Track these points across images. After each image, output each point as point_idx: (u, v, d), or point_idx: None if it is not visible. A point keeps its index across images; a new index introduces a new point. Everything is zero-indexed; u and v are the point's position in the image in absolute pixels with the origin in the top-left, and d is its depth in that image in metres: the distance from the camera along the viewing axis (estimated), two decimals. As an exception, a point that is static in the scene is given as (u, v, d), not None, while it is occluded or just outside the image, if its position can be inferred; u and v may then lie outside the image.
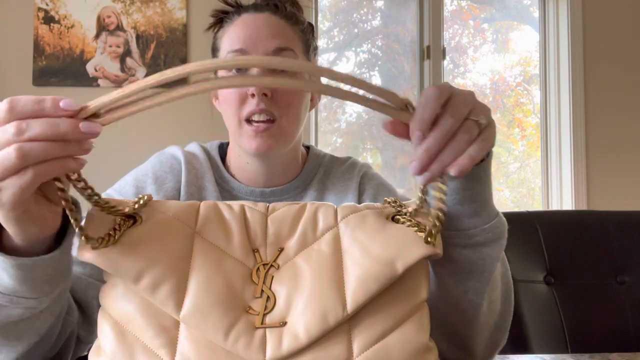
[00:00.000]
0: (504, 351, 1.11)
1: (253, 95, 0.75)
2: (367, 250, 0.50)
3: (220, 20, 0.84)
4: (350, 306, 0.48)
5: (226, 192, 0.84)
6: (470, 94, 0.50)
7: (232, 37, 0.79)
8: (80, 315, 0.68)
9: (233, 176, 0.86)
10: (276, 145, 0.78)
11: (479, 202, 0.56)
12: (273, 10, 0.81)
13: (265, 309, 0.48)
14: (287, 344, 0.46)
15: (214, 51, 0.85)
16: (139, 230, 0.50)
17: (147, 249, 0.49)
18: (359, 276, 0.49)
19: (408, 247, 0.50)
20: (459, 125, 0.47)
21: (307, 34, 0.84)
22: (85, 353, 0.71)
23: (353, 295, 0.48)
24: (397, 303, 0.50)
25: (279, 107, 0.77)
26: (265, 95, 0.76)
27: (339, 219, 0.54)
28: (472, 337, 0.65)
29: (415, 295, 0.51)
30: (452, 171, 0.47)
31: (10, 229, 0.46)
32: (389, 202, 0.56)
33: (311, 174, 0.88)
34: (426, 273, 0.53)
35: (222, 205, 0.55)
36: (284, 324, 0.48)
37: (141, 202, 0.52)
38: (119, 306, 0.49)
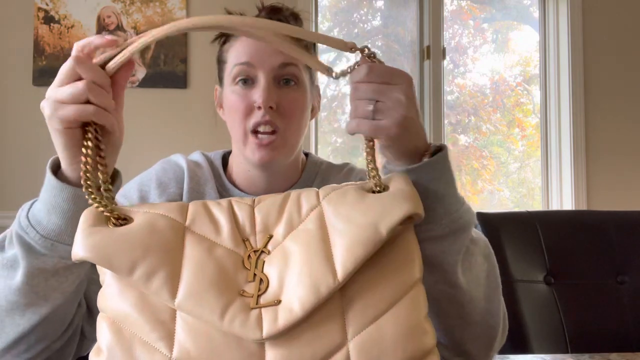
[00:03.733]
0: (504, 351, 1.11)
1: (260, 107, 0.78)
2: (350, 220, 0.52)
3: (225, 33, 0.87)
4: (340, 274, 0.49)
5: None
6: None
7: (239, 51, 0.82)
8: (85, 310, 0.70)
9: (234, 184, 0.88)
10: (279, 156, 0.81)
11: (430, 198, 0.59)
12: (280, 18, 0.83)
13: (259, 291, 0.49)
14: (283, 318, 0.47)
15: (220, 63, 0.87)
16: (131, 226, 0.52)
17: (138, 242, 0.50)
18: (345, 245, 0.50)
19: (389, 210, 0.51)
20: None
21: (309, 49, 0.87)
22: (85, 354, 0.72)
23: (342, 264, 0.49)
24: (389, 283, 0.51)
25: (283, 118, 0.80)
26: (271, 108, 0.79)
27: (321, 198, 0.56)
28: (455, 330, 0.67)
29: (407, 273, 0.52)
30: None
31: (63, 157, 0.57)
32: (371, 177, 0.58)
33: (309, 181, 0.90)
34: (417, 251, 0.54)
35: (211, 202, 0.57)
36: (279, 302, 0.48)
37: (117, 211, 0.54)
38: (115, 306, 0.50)
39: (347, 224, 0.51)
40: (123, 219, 0.53)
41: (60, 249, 0.58)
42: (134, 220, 0.52)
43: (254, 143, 0.80)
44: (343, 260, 0.49)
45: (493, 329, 0.69)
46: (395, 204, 0.52)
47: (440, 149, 0.62)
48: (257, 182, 0.86)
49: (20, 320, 0.62)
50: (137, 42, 0.55)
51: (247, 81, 0.80)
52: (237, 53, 0.82)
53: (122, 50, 0.55)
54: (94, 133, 0.55)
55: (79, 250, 0.49)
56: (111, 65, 0.55)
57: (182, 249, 0.51)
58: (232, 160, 0.90)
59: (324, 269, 0.49)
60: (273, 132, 0.79)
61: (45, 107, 0.55)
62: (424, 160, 0.60)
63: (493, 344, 0.70)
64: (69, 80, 0.54)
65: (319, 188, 0.87)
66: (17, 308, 0.61)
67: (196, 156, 0.91)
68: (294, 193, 0.57)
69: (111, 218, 0.52)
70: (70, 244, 0.56)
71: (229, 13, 0.86)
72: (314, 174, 0.90)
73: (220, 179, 0.88)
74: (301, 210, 0.55)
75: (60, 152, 0.58)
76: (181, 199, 0.84)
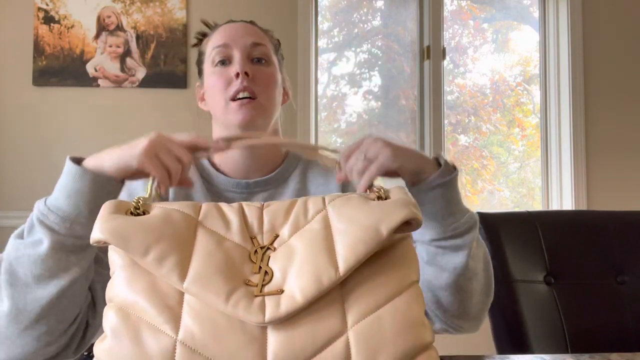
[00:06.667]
0: (504, 351, 1.11)
1: (237, 75, 0.89)
2: (352, 221, 0.55)
3: (202, 39, 0.99)
4: (342, 268, 0.51)
5: (214, 186, 0.94)
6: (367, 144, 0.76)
7: (216, 38, 0.94)
8: (90, 301, 0.78)
9: (220, 170, 0.96)
10: (257, 117, 0.90)
11: (454, 203, 0.79)
12: (247, 22, 0.97)
13: (263, 281, 0.52)
14: (285, 305, 0.50)
15: (200, 55, 0.98)
16: (147, 216, 0.56)
17: (153, 228, 0.54)
18: (347, 243, 0.53)
19: (390, 213, 0.55)
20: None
21: (275, 39, 1.00)
22: (85, 353, 0.74)
23: (344, 259, 0.52)
24: (388, 279, 0.54)
25: (258, 86, 0.90)
26: (247, 74, 0.89)
27: (326, 203, 0.59)
28: (463, 301, 0.81)
29: (406, 273, 0.55)
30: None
31: (115, 170, 0.70)
32: (374, 191, 0.63)
33: (291, 167, 0.99)
34: (415, 257, 0.58)
35: (223, 204, 0.61)
36: (282, 291, 0.51)
37: (140, 202, 0.58)
38: (123, 294, 0.53)
39: (350, 224, 0.55)
40: (141, 211, 0.57)
41: (77, 229, 0.69)
42: (150, 213, 0.57)
43: (236, 105, 0.89)
44: (345, 256, 0.52)
45: (488, 297, 0.85)
46: (396, 208, 0.56)
47: (445, 164, 0.78)
48: (238, 163, 0.95)
49: (43, 293, 0.69)
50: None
51: (225, 62, 0.92)
52: (214, 40, 0.94)
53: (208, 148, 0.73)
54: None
55: (98, 232, 0.53)
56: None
57: (193, 239, 0.55)
58: None
59: (326, 263, 0.52)
60: (251, 98, 0.89)
61: (157, 142, 0.70)
62: (452, 175, 0.77)
63: (487, 305, 0.86)
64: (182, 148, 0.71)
65: (299, 176, 0.97)
66: (41, 280, 0.69)
67: None
68: (301, 199, 0.61)
69: (131, 209, 0.57)
70: (85, 225, 0.68)
71: (205, 23, 1.00)
72: (295, 161, 1.00)
73: (205, 170, 0.96)
74: (307, 213, 0.58)
75: (117, 166, 0.70)
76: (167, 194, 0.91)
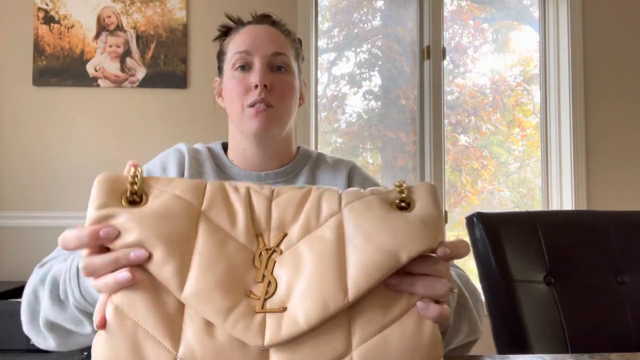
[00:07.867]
0: (504, 351, 1.11)
1: (256, 86, 0.91)
2: (370, 238, 0.50)
3: (225, 33, 1.00)
4: (351, 294, 0.48)
5: (227, 175, 0.98)
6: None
7: (238, 42, 0.95)
8: None
9: (232, 162, 0.99)
10: (272, 126, 0.92)
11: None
12: (271, 24, 0.98)
13: (266, 294, 0.49)
14: (286, 329, 0.47)
15: (221, 54, 1.00)
16: (145, 209, 0.51)
17: (151, 228, 0.49)
18: (361, 265, 0.48)
19: (413, 238, 0.50)
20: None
21: (297, 44, 1.02)
22: (84, 354, 0.73)
23: (355, 283, 0.48)
24: (397, 296, 0.50)
25: (276, 97, 0.92)
26: (266, 87, 0.91)
27: (343, 204, 0.53)
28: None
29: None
30: None
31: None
32: (397, 186, 0.55)
33: (302, 162, 1.02)
34: None
35: (228, 186, 0.55)
36: (284, 309, 0.48)
37: (136, 181, 0.52)
38: (121, 293, 0.49)
39: (367, 241, 0.50)
40: (138, 197, 0.52)
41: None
42: (148, 200, 0.52)
43: (252, 112, 0.91)
44: (356, 279, 0.48)
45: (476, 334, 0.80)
46: (420, 233, 0.50)
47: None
48: (252, 158, 0.97)
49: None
50: None
51: (245, 67, 0.93)
52: (236, 44, 0.95)
53: None
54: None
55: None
56: None
57: (195, 238, 0.50)
58: (231, 143, 1.01)
59: (334, 286, 0.48)
60: (268, 106, 0.91)
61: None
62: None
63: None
64: None
65: (309, 172, 0.99)
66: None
67: (196, 145, 1.03)
68: (315, 192, 0.55)
69: (126, 194, 0.51)
70: None
71: (229, 17, 1.00)
72: (306, 157, 1.03)
73: (219, 159, 0.99)
74: (320, 214, 0.53)
75: None
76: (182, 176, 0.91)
